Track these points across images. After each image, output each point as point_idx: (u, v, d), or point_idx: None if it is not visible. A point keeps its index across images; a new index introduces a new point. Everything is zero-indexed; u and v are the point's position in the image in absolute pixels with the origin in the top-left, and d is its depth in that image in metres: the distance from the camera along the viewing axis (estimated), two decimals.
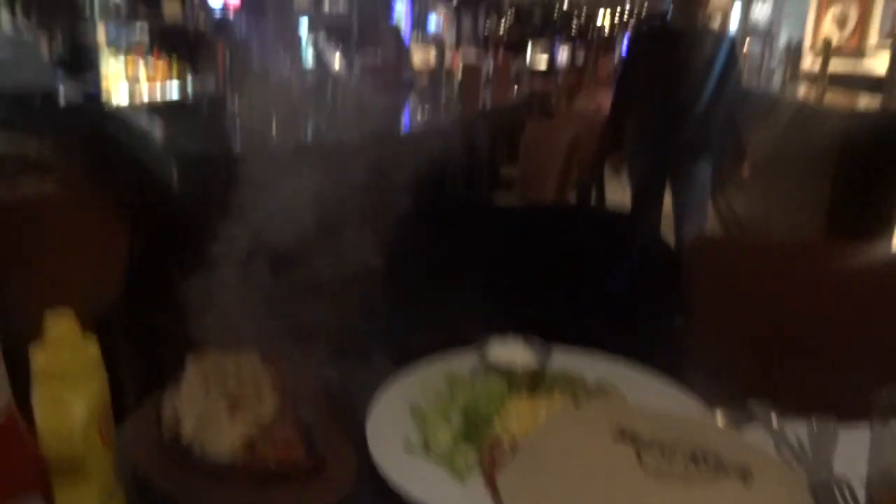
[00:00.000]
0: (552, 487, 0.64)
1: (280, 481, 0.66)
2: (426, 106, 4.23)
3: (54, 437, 0.57)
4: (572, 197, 3.41)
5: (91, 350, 0.59)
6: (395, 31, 4.80)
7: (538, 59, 9.05)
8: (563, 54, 9.43)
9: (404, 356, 0.88)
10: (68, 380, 0.58)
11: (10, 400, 0.50)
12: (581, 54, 8.63)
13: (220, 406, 0.70)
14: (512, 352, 0.82)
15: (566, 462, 0.66)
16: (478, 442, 0.70)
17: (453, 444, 0.70)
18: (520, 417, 0.73)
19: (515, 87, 6.06)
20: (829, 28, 5.73)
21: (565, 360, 0.86)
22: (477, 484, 0.67)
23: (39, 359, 0.57)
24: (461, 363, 0.86)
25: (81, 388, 0.58)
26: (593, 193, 3.95)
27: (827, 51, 4.55)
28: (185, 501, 0.65)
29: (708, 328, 1.13)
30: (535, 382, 0.81)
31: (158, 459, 0.69)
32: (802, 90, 5.13)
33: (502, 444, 0.69)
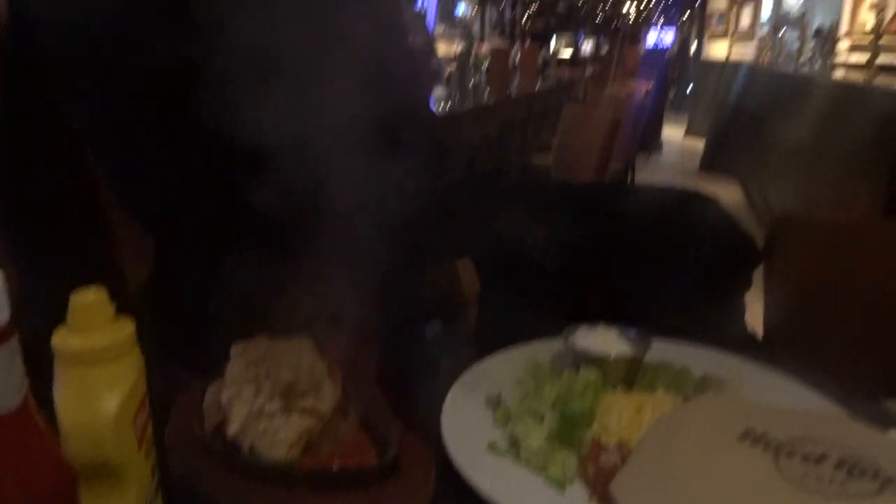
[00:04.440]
0: (678, 497, 0.53)
1: (346, 487, 0.56)
2: (454, 93, 4.11)
3: (80, 436, 0.47)
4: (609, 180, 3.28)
5: (125, 332, 0.49)
6: (421, 17, 4.68)
7: (563, 49, 8.93)
8: (588, 44, 9.32)
9: (474, 346, 0.77)
10: (98, 367, 0.47)
11: (25, 385, 0.40)
12: (606, 45, 8.56)
13: (274, 399, 0.60)
14: (603, 340, 0.71)
15: (690, 468, 0.55)
16: (576, 445, 0.59)
17: (548, 446, 0.59)
18: (621, 416, 0.62)
19: (541, 76, 5.94)
20: (865, 15, 5.65)
21: (663, 350, 0.74)
22: (578, 492, 0.56)
23: (64, 342, 0.47)
24: (541, 353, 0.75)
25: (113, 377, 0.48)
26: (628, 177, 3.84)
27: (877, 33, 4.45)
28: None
29: (803, 311, 1.01)
30: (632, 375, 0.69)
31: (201, 461, 0.59)
32: (840, 74, 4.99)
33: (608, 448, 0.58)
